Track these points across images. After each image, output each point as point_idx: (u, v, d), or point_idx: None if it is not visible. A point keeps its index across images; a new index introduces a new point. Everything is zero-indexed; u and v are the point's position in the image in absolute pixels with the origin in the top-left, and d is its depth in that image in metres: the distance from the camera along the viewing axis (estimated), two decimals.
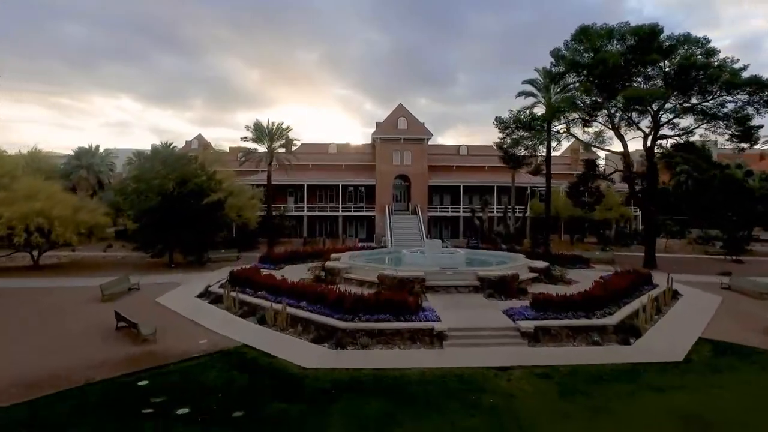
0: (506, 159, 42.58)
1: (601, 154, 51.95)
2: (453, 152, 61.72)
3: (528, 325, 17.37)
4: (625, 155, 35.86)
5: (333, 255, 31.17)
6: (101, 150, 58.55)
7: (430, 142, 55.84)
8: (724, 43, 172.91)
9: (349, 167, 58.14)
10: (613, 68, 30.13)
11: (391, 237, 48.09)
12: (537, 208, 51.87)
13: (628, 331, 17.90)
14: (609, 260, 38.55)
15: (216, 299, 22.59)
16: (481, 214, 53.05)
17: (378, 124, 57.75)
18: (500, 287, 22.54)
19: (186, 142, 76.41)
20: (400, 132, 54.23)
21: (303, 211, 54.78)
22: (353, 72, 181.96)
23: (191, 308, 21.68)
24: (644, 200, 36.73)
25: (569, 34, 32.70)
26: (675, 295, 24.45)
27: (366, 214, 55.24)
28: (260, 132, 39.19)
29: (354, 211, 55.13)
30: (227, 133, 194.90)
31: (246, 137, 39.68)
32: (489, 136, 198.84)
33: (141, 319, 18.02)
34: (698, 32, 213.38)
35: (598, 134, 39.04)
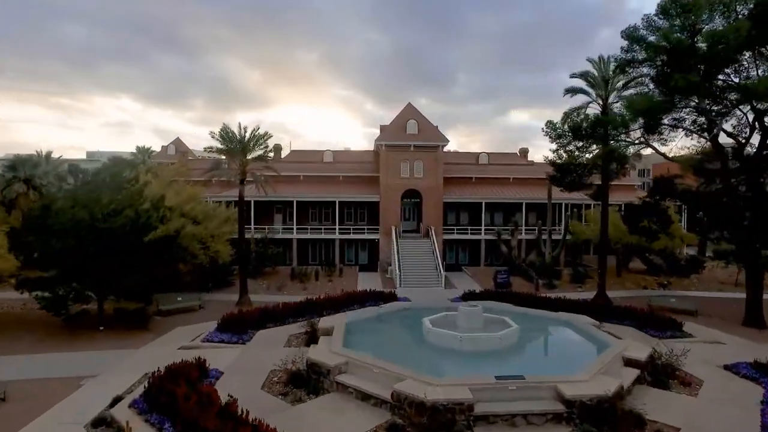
0: (559, 179, 32.64)
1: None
2: (471, 161, 52.26)
3: None
4: (725, 170, 26.44)
5: (323, 321, 21.81)
6: (58, 157, 49.15)
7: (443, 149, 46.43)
8: None
9: (348, 180, 48.72)
10: (738, 48, 20.72)
11: (399, 266, 38.68)
12: (579, 231, 42.49)
13: None
14: (691, 312, 29.20)
15: None
16: (509, 238, 43.64)
17: (383, 129, 48.34)
18: (600, 416, 13.16)
19: (162, 147, 67.33)
20: (409, 137, 44.80)
21: (292, 233, 45.41)
22: (354, 72, 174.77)
23: None
24: (748, 229, 27.12)
25: (640, 16, 23.49)
26: None
27: (368, 236, 45.86)
28: (229, 140, 29.65)
29: (354, 233, 45.74)
30: None
31: (211, 147, 30.17)
32: (490, 137, 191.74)
33: None
34: None
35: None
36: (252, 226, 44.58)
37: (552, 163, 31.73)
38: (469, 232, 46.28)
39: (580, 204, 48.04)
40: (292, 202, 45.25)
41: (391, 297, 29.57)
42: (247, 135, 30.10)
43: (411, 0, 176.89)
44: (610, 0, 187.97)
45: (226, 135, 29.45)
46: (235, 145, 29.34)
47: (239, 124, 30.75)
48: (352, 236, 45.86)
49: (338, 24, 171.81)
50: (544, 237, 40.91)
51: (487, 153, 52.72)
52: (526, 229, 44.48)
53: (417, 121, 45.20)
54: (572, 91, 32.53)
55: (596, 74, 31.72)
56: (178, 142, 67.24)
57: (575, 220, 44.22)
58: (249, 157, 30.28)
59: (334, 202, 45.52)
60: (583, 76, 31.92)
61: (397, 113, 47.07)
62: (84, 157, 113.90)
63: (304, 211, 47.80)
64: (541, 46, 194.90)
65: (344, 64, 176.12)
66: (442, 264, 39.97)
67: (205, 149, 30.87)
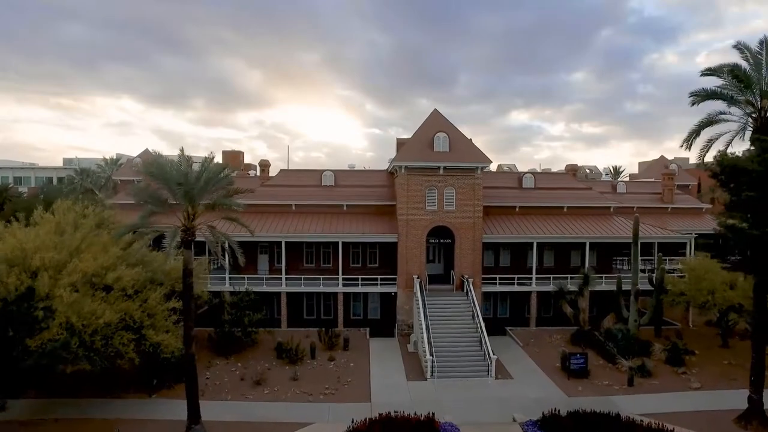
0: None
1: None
2: (511, 184, 40.67)
3: None
4: None
5: None
6: None
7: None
8: (728, 43, 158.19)
9: (354, 211, 37.20)
10: None
11: (428, 341, 27.27)
12: (675, 286, 31.05)
13: None
14: None
15: None
16: (576, 297, 32.17)
17: (401, 145, 36.80)
18: None
19: (128, 160, 56.10)
20: (438, 157, 33.23)
21: (280, 284, 33.98)
22: (355, 72, 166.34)
23: None
24: None
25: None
26: None
27: (382, 289, 34.40)
28: (165, 179, 17.98)
29: (363, 285, 34.24)
30: (228, 133, 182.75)
31: (142, 184, 18.67)
32: (491, 138, 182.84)
33: None
34: (700, 33, 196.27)
35: None
36: (226, 277, 33.18)
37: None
38: (516, 282, 34.78)
39: (670, 242, 36.71)
40: (281, 243, 33.84)
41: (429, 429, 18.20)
42: (199, 169, 18.53)
43: (413, 1, 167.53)
44: (611, 1, 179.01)
45: (159, 170, 17.80)
46: (176, 187, 17.70)
47: (181, 151, 18.84)
48: (359, 289, 34.42)
49: (339, 24, 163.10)
50: (628, 293, 29.50)
51: (532, 173, 41.14)
52: (593, 276, 32.93)
53: (448, 134, 33.69)
54: (705, 96, 21.10)
55: (749, 68, 20.29)
56: (145, 155, 55.88)
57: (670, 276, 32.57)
58: (200, 204, 18.66)
59: (337, 243, 34.15)
60: (728, 71, 20.43)
61: (415, 122, 35.67)
62: (81, 159, 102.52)
63: (297, 252, 36.39)
64: (542, 46, 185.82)
65: (345, 65, 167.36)
66: (485, 330, 28.53)
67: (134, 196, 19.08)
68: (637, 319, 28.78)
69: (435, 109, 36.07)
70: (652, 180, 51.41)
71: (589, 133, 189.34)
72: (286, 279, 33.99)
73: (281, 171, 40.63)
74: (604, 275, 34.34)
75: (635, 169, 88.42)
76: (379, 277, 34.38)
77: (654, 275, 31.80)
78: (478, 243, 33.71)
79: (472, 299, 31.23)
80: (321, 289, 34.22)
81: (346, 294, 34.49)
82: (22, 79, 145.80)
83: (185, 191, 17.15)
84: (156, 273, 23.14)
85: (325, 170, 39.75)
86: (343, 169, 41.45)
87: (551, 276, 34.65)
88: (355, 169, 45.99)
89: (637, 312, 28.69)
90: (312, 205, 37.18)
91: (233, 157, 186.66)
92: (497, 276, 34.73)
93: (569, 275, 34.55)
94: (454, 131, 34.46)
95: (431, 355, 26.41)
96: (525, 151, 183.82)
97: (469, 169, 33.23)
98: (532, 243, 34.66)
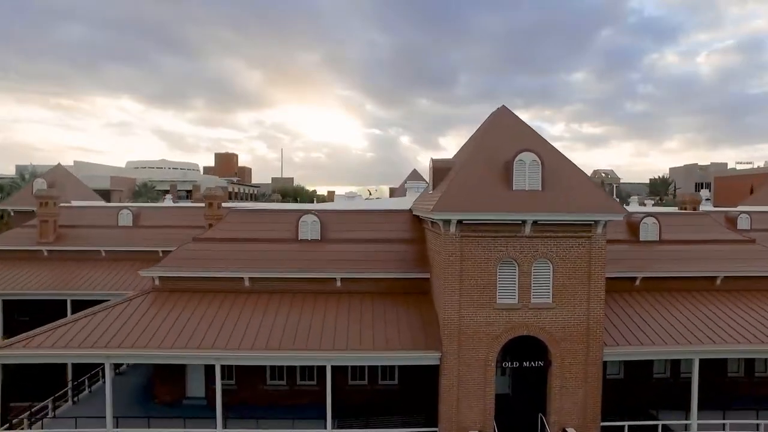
0: None
1: None
2: (620, 232, 24.07)
3: None
4: None
5: None
6: None
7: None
8: (728, 43, 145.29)
9: (353, 289, 20.65)
10: None
11: None
12: None
13: None
14: None
15: None
16: None
17: (441, 171, 19.96)
18: None
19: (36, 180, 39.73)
20: (521, 201, 16.83)
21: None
22: (355, 73, 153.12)
23: None
24: None
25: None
26: None
27: None
28: None
29: None
30: (228, 133, 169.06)
31: None
32: None
33: None
34: (700, 33, 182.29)
35: None
36: None
37: None
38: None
39: None
40: (232, 367, 17.56)
41: None
42: None
43: (413, 1, 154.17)
44: (611, 1, 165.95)
45: None
46: None
47: None
48: None
49: (339, 24, 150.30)
50: None
51: (654, 216, 24.33)
52: None
53: (539, 157, 17.17)
54: None
55: None
56: (58, 170, 39.53)
57: None
58: None
59: (324, 366, 17.81)
60: None
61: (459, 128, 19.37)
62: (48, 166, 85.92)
63: (257, 373, 20.10)
64: (542, 46, 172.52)
65: (345, 65, 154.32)
66: None
67: None
68: None
69: (503, 105, 19.74)
70: None
71: (589, 134, 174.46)
72: (228, 419, 17.66)
73: (230, 212, 23.97)
74: None
75: (636, 170, 74.02)
76: (402, 417, 18.16)
77: None
78: (596, 366, 17.41)
79: None
80: None
81: None
82: (22, 79, 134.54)
83: None
84: None
85: (307, 211, 23.18)
86: (335, 209, 24.59)
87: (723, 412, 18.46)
88: (355, 200, 29.44)
89: None
90: (279, 280, 20.75)
91: (226, 160, 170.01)
92: (625, 424, 18.36)
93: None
94: (549, 151, 18.04)
95: None
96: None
97: (581, 224, 16.90)
98: (691, 359, 18.45)
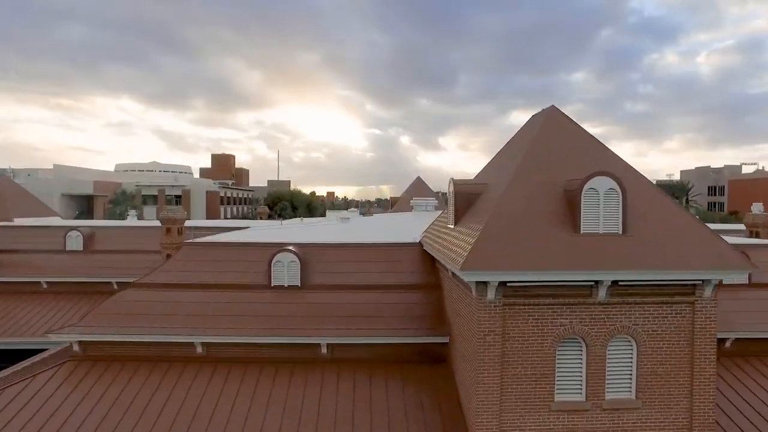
0: None
1: None
2: None
3: None
4: None
5: None
6: None
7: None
8: (728, 44, 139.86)
9: (345, 357, 15.11)
10: None
11: None
12: None
13: None
14: None
15: None
16: None
17: (465, 197, 14.28)
18: None
19: None
20: (590, 254, 11.29)
21: None
22: (355, 73, 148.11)
23: None
24: None
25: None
26: None
27: None
28: None
29: None
30: (228, 133, 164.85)
31: None
32: (491, 138, 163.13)
33: None
34: (700, 33, 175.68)
35: None
36: None
37: None
38: None
39: None
40: None
41: None
42: None
43: (413, 1, 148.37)
44: (611, 1, 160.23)
45: None
46: None
47: None
48: None
49: (339, 24, 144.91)
50: None
51: None
52: None
53: (618, 184, 11.58)
54: None
55: None
56: (5, 181, 33.95)
57: None
58: None
59: None
60: None
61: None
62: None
63: None
64: (542, 46, 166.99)
65: (345, 65, 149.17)
66: None
67: None
68: None
69: (552, 106, 14.17)
70: None
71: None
72: None
73: (184, 247, 18.29)
74: None
75: (636, 170, 69.37)
76: None
77: None
78: None
79: None
80: None
81: None
82: (22, 79, 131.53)
83: None
84: None
85: (283, 247, 17.51)
86: (320, 244, 18.83)
87: None
88: (351, 221, 23.79)
89: None
90: (243, 345, 15.13)
91: (224, 161, 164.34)
92: None
93: None
94: (631, 175, 12.45)
95: None
96: None
97: (679, 285, 11.32)
98: None
